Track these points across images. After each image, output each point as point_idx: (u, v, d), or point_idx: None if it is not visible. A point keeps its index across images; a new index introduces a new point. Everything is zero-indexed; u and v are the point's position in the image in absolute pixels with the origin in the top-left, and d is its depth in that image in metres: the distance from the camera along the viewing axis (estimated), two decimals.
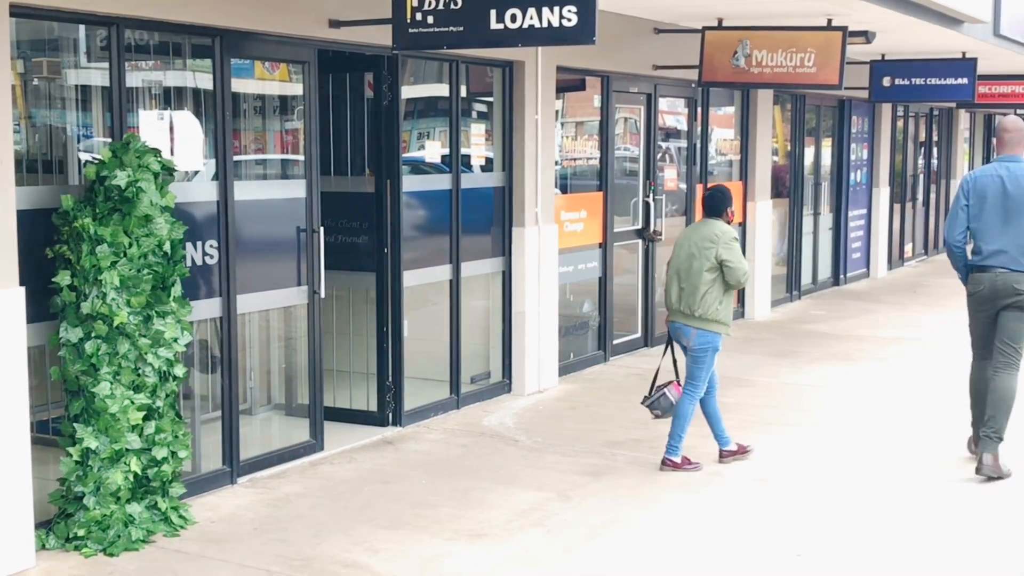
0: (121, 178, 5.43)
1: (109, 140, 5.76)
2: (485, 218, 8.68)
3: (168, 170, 5.69)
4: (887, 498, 6.43)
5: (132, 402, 5.49)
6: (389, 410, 7.85)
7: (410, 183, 7.90)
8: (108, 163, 5.48)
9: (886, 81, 13.28)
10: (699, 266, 6.71)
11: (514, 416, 8.25)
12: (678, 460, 6.88)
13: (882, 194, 16.70)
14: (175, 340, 5.66)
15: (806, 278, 14.63)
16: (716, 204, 6.90)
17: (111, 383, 5.43)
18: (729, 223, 6.89)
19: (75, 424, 5.46)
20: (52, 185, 5.81)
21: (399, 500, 6.32)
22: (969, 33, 11.25)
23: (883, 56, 13.24)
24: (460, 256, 8.30)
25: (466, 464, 7.06)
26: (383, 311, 7.80)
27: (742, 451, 7.08)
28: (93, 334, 5.43)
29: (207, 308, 6.33)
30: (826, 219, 15.30)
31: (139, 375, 5.55)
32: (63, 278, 5.40)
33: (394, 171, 7.67)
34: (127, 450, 5.50)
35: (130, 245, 5.49)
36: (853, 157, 15.83)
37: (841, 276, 15.72)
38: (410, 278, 7.90)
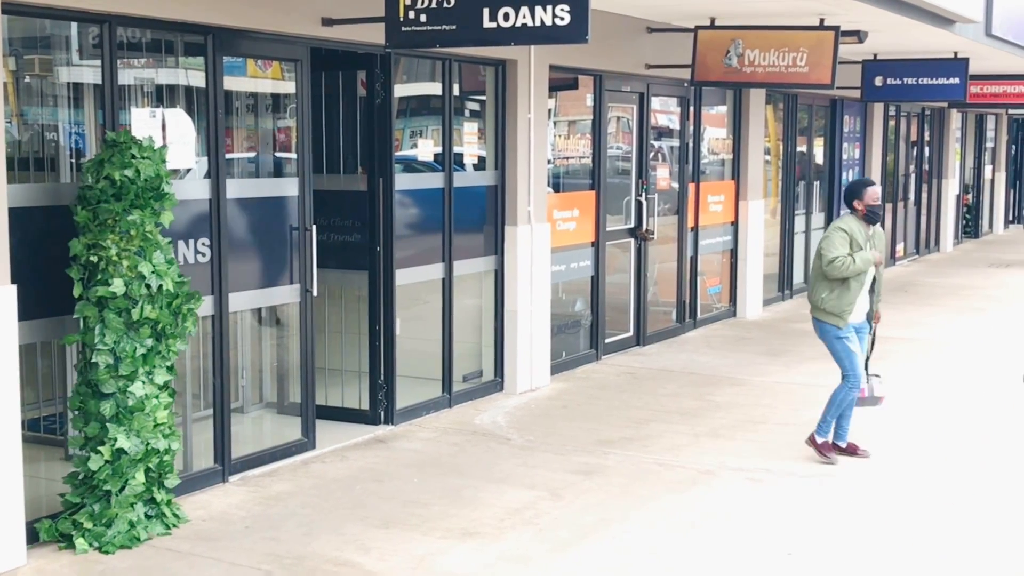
0: (147, 171, 5.45)
1: (103, 137, 5.73)
2: (477, 217, 8.69)
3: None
4: (879, 497, 6.46)
5: (159, 402, 5.57)
6: (381, 408, 7.84)
7: (402, 181, 7.89)
8: (140, 163, 5.44)
9: (878, 81, 13.32)
10: (815, 257, 7.10)
11: (506, 415, 8.25)
12: (819, 440, 7.11)
13: None
14: (191, 332, 5.75)
15: (798, 277, 14.64)
16: (845, 197, 7.18)
17: (144, 383, 5.49)
18: (863, 215, 7.03)
19: (107, 425, 5.45)
20: (45, 183, 5.79)
21: (391, 499, 6.33)
22: (961, 33, 11.28)
23: (875, 56, 13.27)
24: (452, 255, 8.30)
25: (458, 463, 7.07)
26: (375, 309, 7.80)
27: (852, 450, 7.19)
28: (137, 338, 5.47)
29: (199, 307, 6.29)
30: (818, 218, 15.33)
31: (170, 372, 5.65)
32: (119, 287, 5.37)
33: (387, 169, 7.67)
34: (153, 449, 5.55)
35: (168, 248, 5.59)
36: (845, 156, 15.87)
37: None
38: (402, 276, 7.89)
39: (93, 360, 5.43)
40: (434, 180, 8.24)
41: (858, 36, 9.97)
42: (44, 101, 6.03)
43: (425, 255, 8.17)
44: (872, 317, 7.24)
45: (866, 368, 7.20)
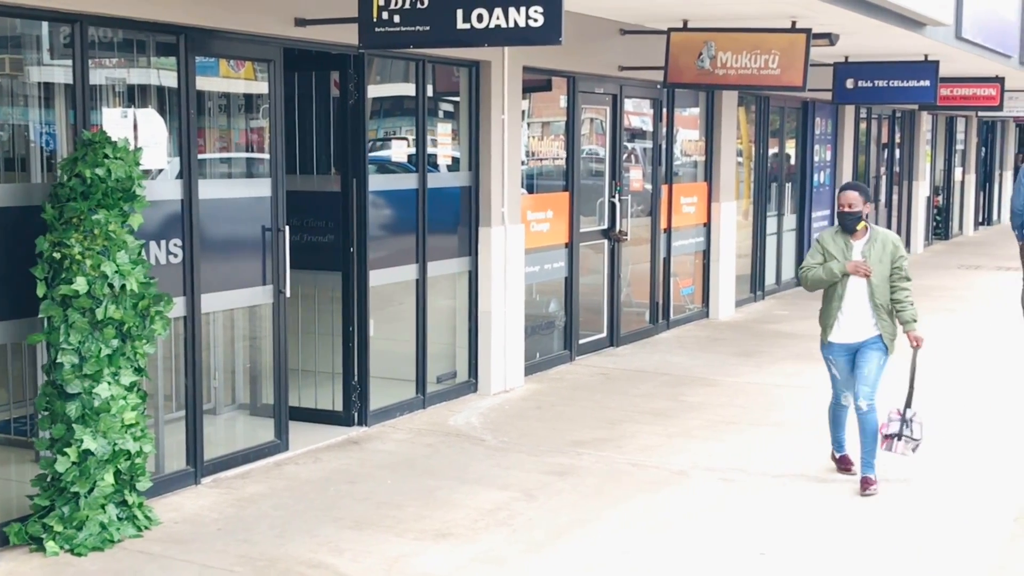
0: (118, 171, 5.41)
1: (74, 137, 5.71)
2: (451, 218, 8.68)
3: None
4: (851, 496, 6.50)
5: (127, 403, 5.52)
6: (355, 410, 7.83)
7: (376, 182, 7.88)
8: (112, 164, 5.42)
9: (849, 83, 13.39)
10: None
11: (480, 416, 8.25)
12: (836, 455, 6.90)
13: None
14: (160, 335, 5.72)
15: (770, 278, 14.71)
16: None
17: (110, 384, 5.45)
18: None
19: (74, 426, 5.41)
20: (15, 183, 5.76)
21: (364, 500, 6.32)
22: (931, 36, 11.36)
23: (846, 58, 13.35)
24: (427, 256, 8.30)
25: (432, 464, 7.06)
26: (349, 310, 7.78)
27: (843, 463, 6.85)
28: (100, 338, 5.43)
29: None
30: (789, 219, 15.41)
31: (136, 373, 5.60)
32: (81, 285, 5.33)
33: (360, 170, 7.65)
34: (121, 450, 5.51)
35: (139, 251, 5.55)
36: (816, 158, 15.95)
37: None
38: (376, 277, 7.88)
39: (58, 360, 5.40)
40: (408, 181, 8.23)
41: (829, 39, 10.03)
42: (15, 101, 5.98)
43: (399, 256, 8.15)
44: (886, 338, 6.51)
45: (907, 404, 6.55)
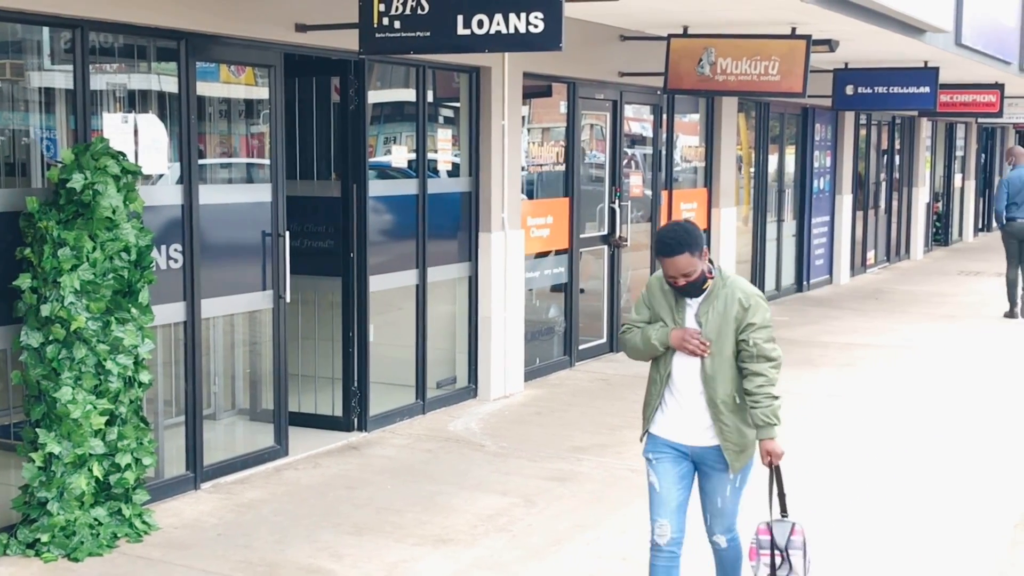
0: (77, 181, 5.41)
1: (74, 143, 5.73)
2: (451, 223, 8.69)
3: (131, 173, 5.64)
4: (839, 505, 6.50)
5: (95, 407, 5.46)
6: (354, 415, 7.84)
7: (376, 188, 7.90)
8: (68, 166, 5.46)
9: (849, 89, 13.39)
10: None
11: (480, 421, 8.25)
12: None
13: (845, 201, 16.85)
14: (135, 347, 5.62)
15: (770, 284, 14.72)
16: None
17: (72, 388, 5.41)
18: None
19: (37, 429, 5.42)
20: (15, 188, 5.77)
21: (364, 506, 6.32)
22: (931, 42, 11.37)
23: (847, 64, 13.35)
24: (427, 261, 8.30)
25: (432, 469, 7.07)
26: (349, 316, 7.80)
27: None
28: (52, 338, 5.41)
29: (171, 312, 6.30)
30: (790, 226, 15.43)
31: (101, 380, 5.52)
32: (24, 281, 5.39)
33: (360, 176, 7.67)
34: (90, 455, 5.48)
35: (93, 249, 5.45)
36: (816, 164, 15.97)
37: (804, 282, 15.84)
38: (376, 283, 7.89)
39: (21, 359, 5.44)
40: (408, 187, 8.25)
41: (829, 45, 10.05)
42: (15, 106, 6.00)
43: (399, 261, 8.17)
44: (729, 452, 4.38)
45: (783, 513, 4.54)
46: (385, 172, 8.36)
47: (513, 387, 9.12)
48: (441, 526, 5.99)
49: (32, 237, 5.44)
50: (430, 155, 8.45)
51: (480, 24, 5.96)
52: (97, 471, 5.48)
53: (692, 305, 4.40)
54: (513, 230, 9.03)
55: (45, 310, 5.36)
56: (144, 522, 5.74)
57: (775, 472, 4.48)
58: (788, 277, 15.44)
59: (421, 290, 8.31)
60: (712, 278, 4.37)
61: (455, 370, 8.91)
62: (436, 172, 8.64)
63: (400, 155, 8.51)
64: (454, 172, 8.81)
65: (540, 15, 5.80)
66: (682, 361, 4.39)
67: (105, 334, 5.53)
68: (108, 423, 5.56)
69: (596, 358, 10.56)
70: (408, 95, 8.26)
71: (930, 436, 8.00)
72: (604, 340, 10.82)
